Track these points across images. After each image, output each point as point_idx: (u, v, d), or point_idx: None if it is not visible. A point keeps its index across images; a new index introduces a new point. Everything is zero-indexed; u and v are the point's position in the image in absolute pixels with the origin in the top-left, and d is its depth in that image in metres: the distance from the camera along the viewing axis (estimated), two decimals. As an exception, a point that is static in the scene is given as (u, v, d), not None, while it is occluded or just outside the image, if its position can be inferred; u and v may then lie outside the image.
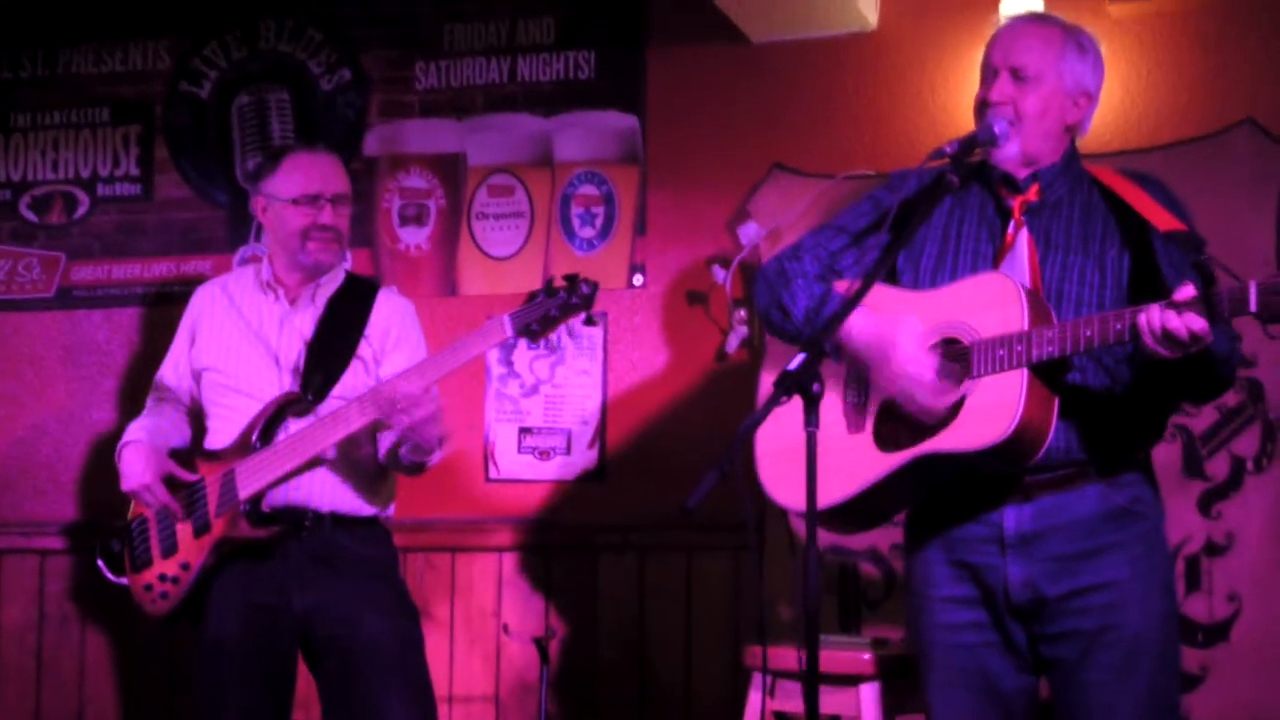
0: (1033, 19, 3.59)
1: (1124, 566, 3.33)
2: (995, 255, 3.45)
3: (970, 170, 3.49)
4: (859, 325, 3.38)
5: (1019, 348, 3.20)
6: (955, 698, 3.46)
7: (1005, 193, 3.48)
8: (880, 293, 3.41)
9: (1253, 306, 2.99)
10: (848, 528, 3.68)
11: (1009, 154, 3.44)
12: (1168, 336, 3.04)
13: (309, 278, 4.36)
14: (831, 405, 3.48)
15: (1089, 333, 3.16)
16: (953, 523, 3.44)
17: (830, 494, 3.39)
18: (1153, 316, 3.06)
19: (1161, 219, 3.30)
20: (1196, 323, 3.01)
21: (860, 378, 3.47)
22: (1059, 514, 3.34)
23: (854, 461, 3.41)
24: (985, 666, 3.43)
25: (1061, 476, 3.34)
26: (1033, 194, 3.45)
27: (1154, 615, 3.35)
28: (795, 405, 2.99)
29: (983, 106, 3.47)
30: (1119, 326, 3.13)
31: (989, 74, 3.49)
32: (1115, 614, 3.31)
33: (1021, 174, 3.46)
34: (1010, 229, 3.45)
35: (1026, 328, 3.22)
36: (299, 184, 4.32)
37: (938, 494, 3.45)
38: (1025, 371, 3.20)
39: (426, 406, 3.97)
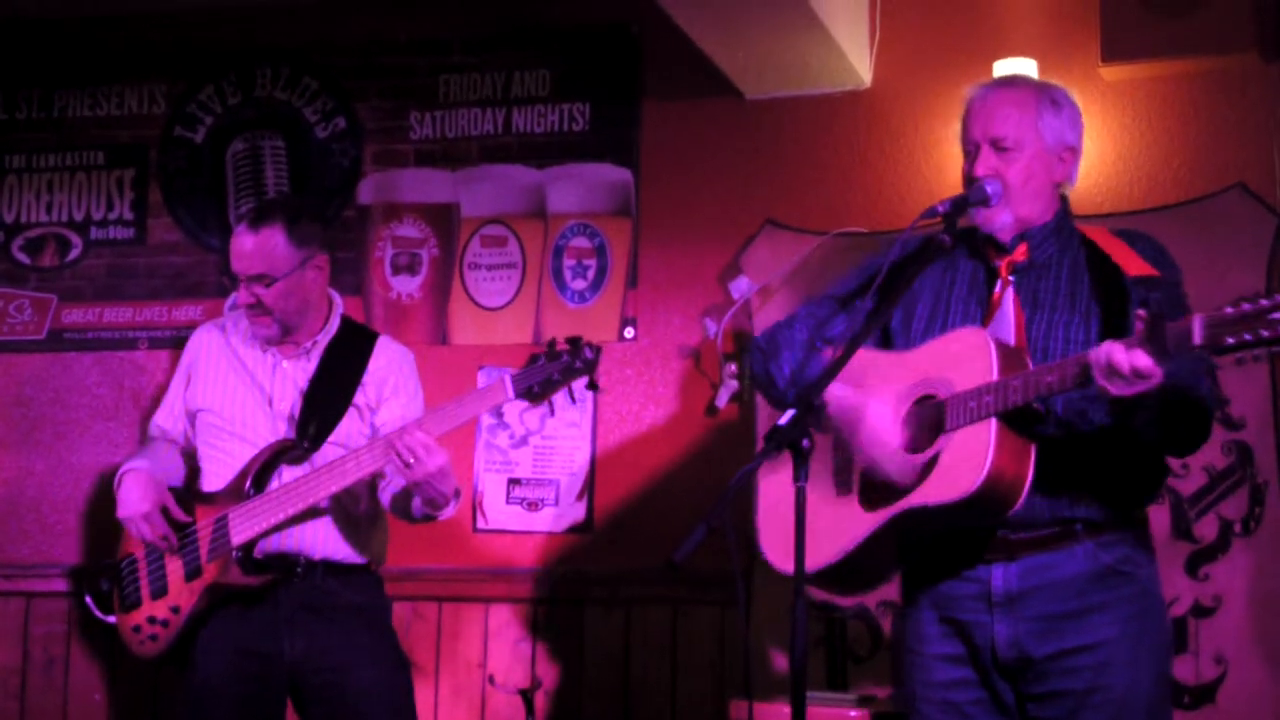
0: (1003, 84, 3.59)
1: (1112, 627, 3.32)
2: (984, 316, 3.46)
3: (959, 235, 3.49)
4: (835, 395, 3.40)
5: (987, 398, 3.21)
6: None
7: (992, 254, 3.50)
8: (868, 356, 3.44)
9: (1197, 339, 2.95)
10: (845, 589, 3.68)
11: (1002, 222, 3.45)
12: (1113, 370, 3.02)
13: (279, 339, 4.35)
14: (821, 470, 3.50)
15: (1051, 379, 3.16)
16: (943, 580, 3.45)
17: (822, 555, 3.42)
18: (1099, 352, 3.05)
19: (1134, 265, 3.32)
20: (1140, 359, 2.99)
21: (842, 442, 3.48)
22: (1046, 573, 3.34)
23: (842, 522, 3.43)
24: None
25: (1048, 535, 3.34)
26: (1020, 254, 3.47)
27: (1143, 677, 3.34)
28: (793, 473, 3.00)
29: (969, 181, 3.46)
30: (1075, 370, 3.12)
31: (970, 148, 3.50)
32: (1104, 675, 3.31)
33: (1008, 236, 3.47)
34: (997, 288, 3.47)
35: (996, 378, 3.22)
36: (229, 261, 4.32)
37: (930, 552, 3.45)
38: (993, 422, 3.21)
39: (437, 459, 3.95)
